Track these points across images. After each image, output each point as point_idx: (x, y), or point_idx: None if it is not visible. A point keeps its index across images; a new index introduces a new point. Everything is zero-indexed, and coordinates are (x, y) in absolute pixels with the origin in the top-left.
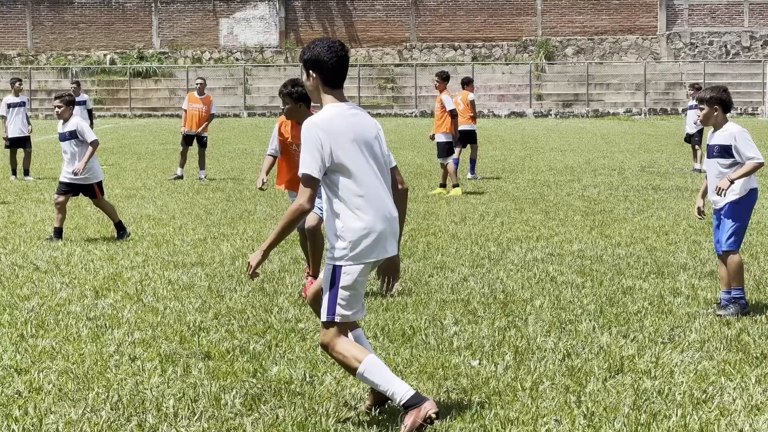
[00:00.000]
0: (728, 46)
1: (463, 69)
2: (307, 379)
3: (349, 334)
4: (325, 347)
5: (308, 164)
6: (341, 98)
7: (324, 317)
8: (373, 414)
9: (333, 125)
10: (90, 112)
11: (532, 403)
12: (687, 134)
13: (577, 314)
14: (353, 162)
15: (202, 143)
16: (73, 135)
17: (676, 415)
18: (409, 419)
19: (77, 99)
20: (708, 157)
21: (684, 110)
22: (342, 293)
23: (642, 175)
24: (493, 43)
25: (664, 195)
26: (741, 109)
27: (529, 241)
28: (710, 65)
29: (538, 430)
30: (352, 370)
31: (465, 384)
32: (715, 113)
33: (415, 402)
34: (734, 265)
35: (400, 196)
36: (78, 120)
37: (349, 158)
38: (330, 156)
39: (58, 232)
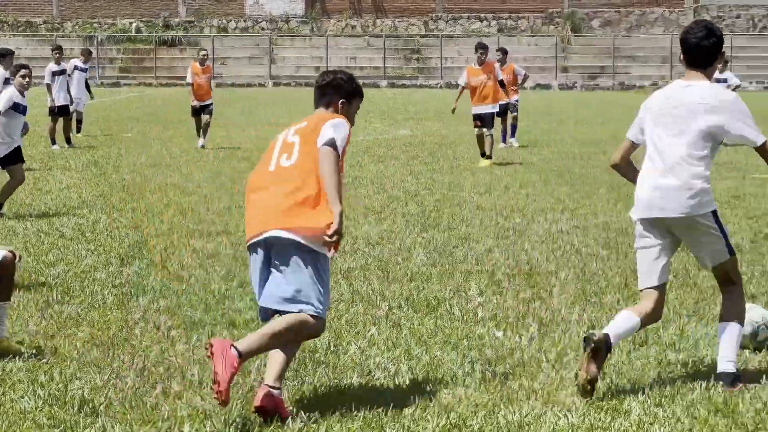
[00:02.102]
0: (756, 20)
1: (488, 41)
2: (332, 349)
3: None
4: None
5: None
6: None
7: None
8: (396, 383)
9: None
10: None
11: (556, 375)
12: None
13: (602, 287)
14: None
15: (210, 112)
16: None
17: (701, 387)
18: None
19: (60, 68)
20: None
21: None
22: None
23: None
24: (519, 15)
25: None
26: (767, 82)
27: (554, 213)
28: (738, 38)
29: (563, 401)
30: None
31: (489, 355)
32: None
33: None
34: None
35: None
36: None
37: None
38: None
39: None
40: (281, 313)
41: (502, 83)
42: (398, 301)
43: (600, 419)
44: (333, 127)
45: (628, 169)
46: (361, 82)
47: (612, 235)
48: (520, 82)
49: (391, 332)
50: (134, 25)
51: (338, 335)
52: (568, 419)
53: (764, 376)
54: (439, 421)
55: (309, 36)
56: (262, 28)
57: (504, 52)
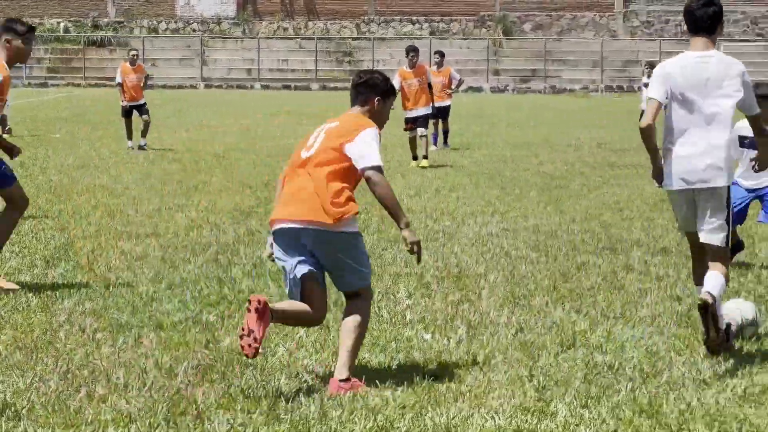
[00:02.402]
0: (683, 25)
1: (420, 43)
2: (260, 351)
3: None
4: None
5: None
6: None
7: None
8: (324, 385)
9: None
10: None
11: (483, 377)
12: (642, 112)
13: (530, 289)
14: None
15: (146, 111)
16: None
17: (626, 389)
18: None
19: None
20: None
21: (639, 87)
22: None
23: (598, 151)
24: (451, 18)
25: (620, 172)
26: None
27: (484, 216)
28: (666, 43)
29: (490, 404)
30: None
31: (417, 357)
32: None
33: None
34: None
35: None
36: None
37: None
38: None
39: None
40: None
41: (429, 86)
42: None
43: (526, 421)
44: (368, 143)
45: (654, 132)
46: (292, 85)
47: (541, 238)
48: (455, 86)
49: (320, 334)
50: (62, 24)
51: (266, 337)
52: (494, 421)
53: (685, 378)
54: (366, 424)
55: (241, 38)
56: (194, 30)
57: (441, 55)
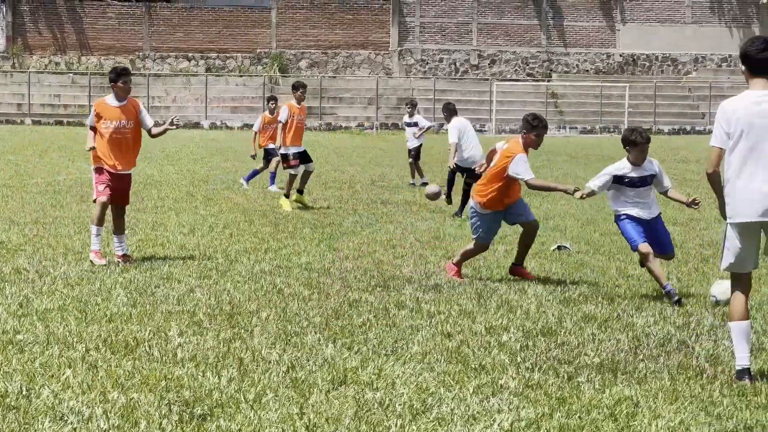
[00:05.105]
0: (457, 64)
1: (196, 80)
2: (24, 393)
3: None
4: None
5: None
6: None
7: None
8: (90, 428)
9: None
10: None
11: (254, 415)
12: (409, 150)
13: (303, 326)
14: None
15: None
16: None
17: (396, 425)
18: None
19: None
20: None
21: (403, 126)
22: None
23: (372, 188)
24: (228, 55)
25: (393, 209)
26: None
27: (257, 253)
28: (440, 82)
29: None
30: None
31: (187, 396)
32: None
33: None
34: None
35: None
36: None
37: None
38: None
39: None
40: None
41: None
42: (96, 342)
43: None
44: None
45: (719, 176)
46: (65, 120)
47: (314, 275)
48: None
49: (87, 374)
50: None
51: (31, 378)
52: None
53: (454, 414)
54: None
55: (10, 72)
56: None
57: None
